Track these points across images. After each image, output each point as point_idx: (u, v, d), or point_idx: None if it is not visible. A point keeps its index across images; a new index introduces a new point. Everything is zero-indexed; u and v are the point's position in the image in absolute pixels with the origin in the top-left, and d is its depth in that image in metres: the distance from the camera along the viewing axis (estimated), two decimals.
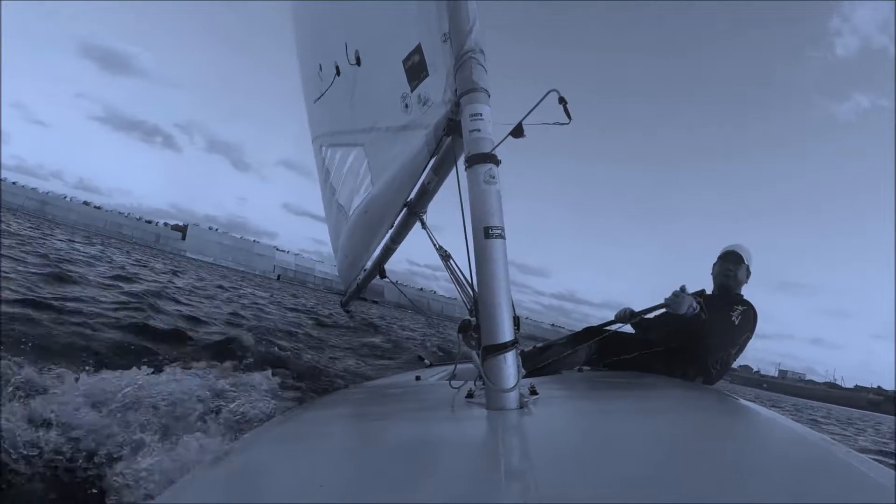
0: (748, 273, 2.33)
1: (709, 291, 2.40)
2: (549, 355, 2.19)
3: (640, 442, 1.03)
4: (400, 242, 2.55)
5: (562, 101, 1.34)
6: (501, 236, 1.33)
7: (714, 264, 2.39)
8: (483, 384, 1.25)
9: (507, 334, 1.25)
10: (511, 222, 1.39)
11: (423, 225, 2.00)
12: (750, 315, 2.17)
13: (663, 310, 2.24)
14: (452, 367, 1.88)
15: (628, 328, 2.35)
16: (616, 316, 2.36)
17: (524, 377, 1.30)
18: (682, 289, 2.10)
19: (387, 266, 2.94)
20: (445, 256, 1.70)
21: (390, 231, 2.37)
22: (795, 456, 0.95)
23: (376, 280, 3.06)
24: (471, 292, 1.42)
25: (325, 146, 2.93)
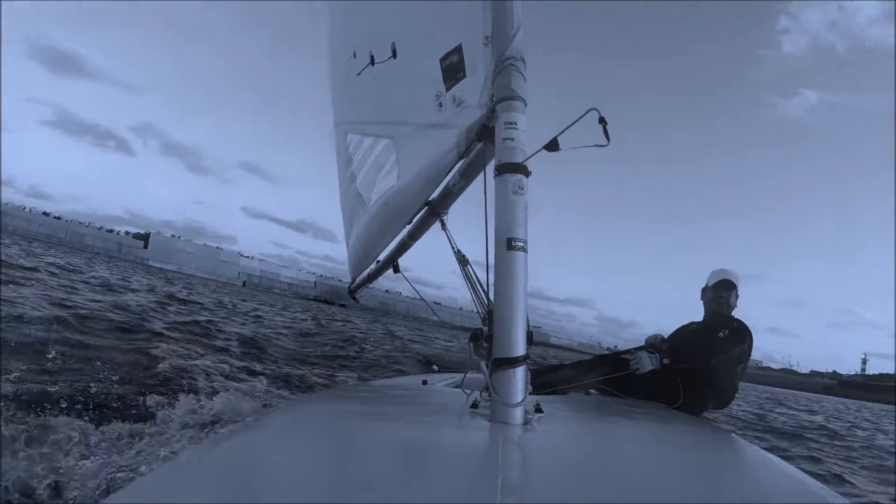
0: (737, 296, 2.48)
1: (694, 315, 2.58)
2: (559, 375, 2.21)
3: (638, 466, 1.04)
4: (417, 239, 2.54)
5: (602, 120, 1.31)
6: (524, 249, 1.31)
7: (705, 290, 2.53)
8: (489, 396, 1.24)
9: (519, 349, 1.24)
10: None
11: (444, 226, 1.99)
12: (739, 331, 2.31)
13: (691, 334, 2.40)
14: (460, 374, 1.88)
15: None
16: (647, 341, 2.43)
17: (531, 394, 1.30)
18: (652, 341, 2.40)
19: None
20: (464, 261, 1.69)
21: (408, 227, 2.37)
22: (787, 495, 0.97)
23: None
24: (486, 301, 1.41)
25: (350, 133, 2.92)
